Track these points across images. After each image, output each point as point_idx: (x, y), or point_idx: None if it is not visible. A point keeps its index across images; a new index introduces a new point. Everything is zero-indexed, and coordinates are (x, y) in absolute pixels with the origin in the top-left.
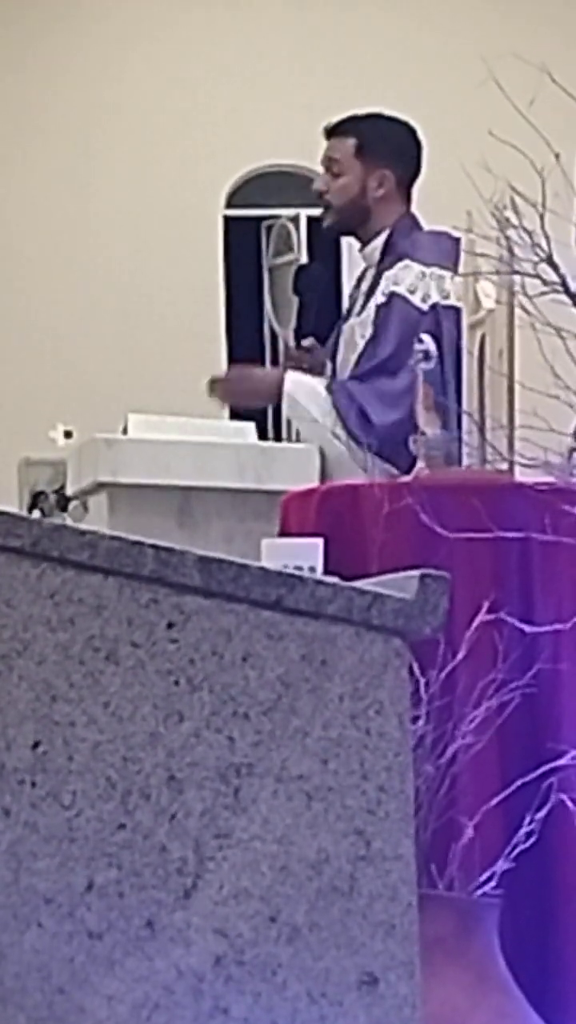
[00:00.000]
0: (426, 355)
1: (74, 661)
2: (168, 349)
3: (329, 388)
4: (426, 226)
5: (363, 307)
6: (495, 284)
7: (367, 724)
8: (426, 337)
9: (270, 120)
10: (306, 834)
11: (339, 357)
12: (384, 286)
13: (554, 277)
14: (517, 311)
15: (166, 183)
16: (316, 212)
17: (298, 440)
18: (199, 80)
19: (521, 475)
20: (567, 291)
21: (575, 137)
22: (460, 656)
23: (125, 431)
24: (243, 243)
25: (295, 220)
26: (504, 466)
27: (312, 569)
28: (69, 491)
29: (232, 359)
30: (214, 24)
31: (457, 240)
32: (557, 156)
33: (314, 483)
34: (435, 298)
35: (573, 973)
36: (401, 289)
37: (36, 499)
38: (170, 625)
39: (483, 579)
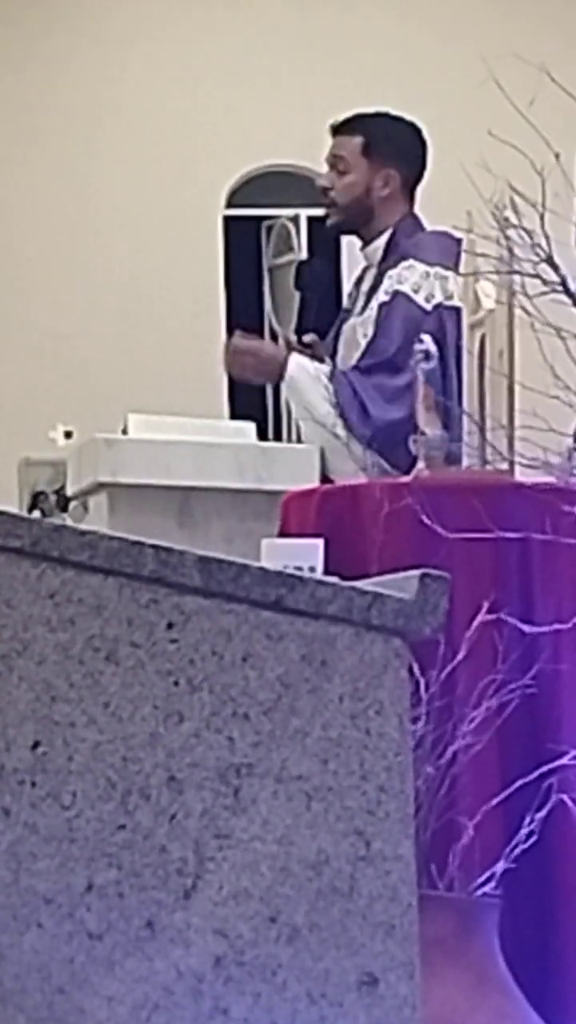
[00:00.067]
0: (426, 355)
1: (74, 661)
2: (168, 349)
3: (331, 376)
4: (427, 226)
5: (365, 306)
6: (495, 284)
7: (367, 724)
8: (426, 337)
9: (270, 120)
10: (306, 834)
11: (339, 356)
12: (387, 285)
13: (554, 277)
14: (517, 311)
15: (166, 183)
16: (316, 212)
17: (299, 440)
18: (199, 80)
19: (521, 475)
20: (567, 291)
21: (575, 137)
22: (460, 656)
23: (125, 431)
24: (243, 243)
25: (295, 220)
26: (504, 466)
27: (312, 569)
28: (69, 491)
29: None
30: (214, 24)
31: (459, 240)
32: (557, 156)
33: (314, 483)
34: (439, 298)
35: (573, 973)
36: (405, 288)
37: (36, 499)
38: (170, 625)
39: (483, 579)
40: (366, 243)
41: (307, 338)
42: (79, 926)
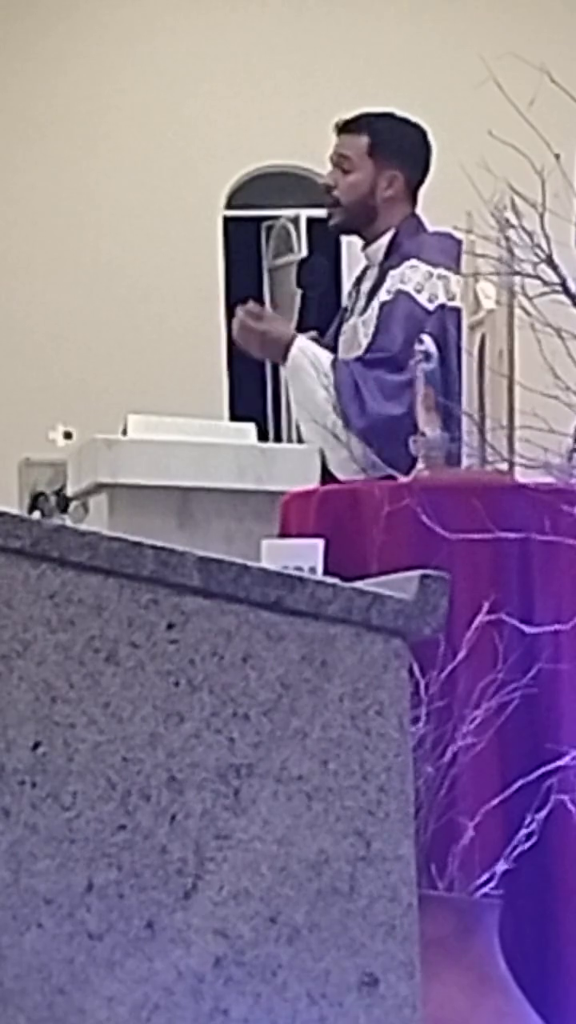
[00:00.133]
0: (426, 356)
1: (74, 662)
2: (168, 350)
3: (334, 363)
4: (429, 227)
5: (366, 306)
6: (495, 285)
7: (367, 725)
8: (426, 338)
9: (270, 120)
10: (306, 835)
11: (339, 355)
12: (390, 284)
13: (554, 278)
14: (517, 312)
15: (166, 184)
16: (316, 213)
17: (299, 441)
18: (199, 80)
19: (521, 476)
20: (567, 292)
21: (575, 138)
22: (460, 657)
23: (125, 432)
24: (243, 244)
25: (295, 221)
26: (504, 467)
27: (312, 570)
28: (69, 492)
29: (232, 360)
30: (214, 24)
31: (460, 242)
32: (557, 157)
33: (314, 484)
34: (441, 299)
35: (573, 973)
36: (408, 288)
37: (36, 500)
38: (170, 626)
39: (483, 580)
40: (368, 243)
41: (308, 336)
42: (79, 926)
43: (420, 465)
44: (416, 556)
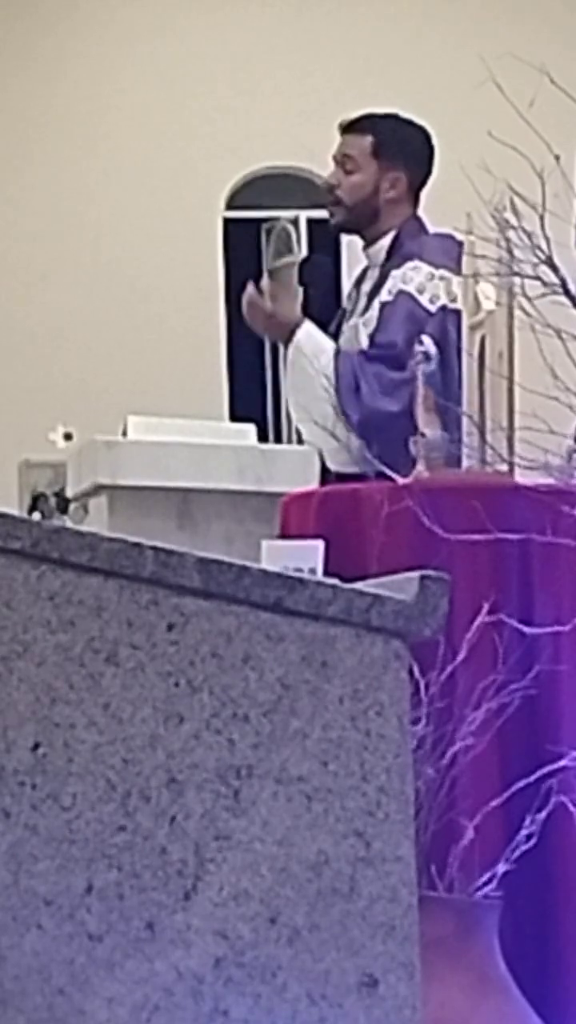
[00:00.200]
0: (426, 357)
1: (74, 663)
2: (168, 351)
3: (337, 353)
4: (430, 228)
5: (367, 307)
6: (495, 286)
7: (367, 726)
8: (426, 339)
9: (270, 122)
10: (306, 836)
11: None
12: (391, 285)
13: (554, 279)
14: (517, 313)
15: (166, 185)
16: (316, 214)
17: (299, 442)
18: (199, 82)
19: (521, 477)
20: (567, 293)
21: (575, 138)
22: (460, 658)
23: (125, 433)
24: (243, 245)
25: (295, 222)
26: (504, 468)
27: (312, 571)
28: (69, 493)
29: (232, 361)
30: (214, 26)
31: (461, 243)
32: (557, 158)
33: (314, 485)
34: (443, 300)
35: (573, 974)
36: (410, 288)
37: (36, 501)
38: (170, 627)
39: (483, 581)
40: (368, 244)
41: None
42: (79, 927)
43: (420, 466)
44: (416, 557)
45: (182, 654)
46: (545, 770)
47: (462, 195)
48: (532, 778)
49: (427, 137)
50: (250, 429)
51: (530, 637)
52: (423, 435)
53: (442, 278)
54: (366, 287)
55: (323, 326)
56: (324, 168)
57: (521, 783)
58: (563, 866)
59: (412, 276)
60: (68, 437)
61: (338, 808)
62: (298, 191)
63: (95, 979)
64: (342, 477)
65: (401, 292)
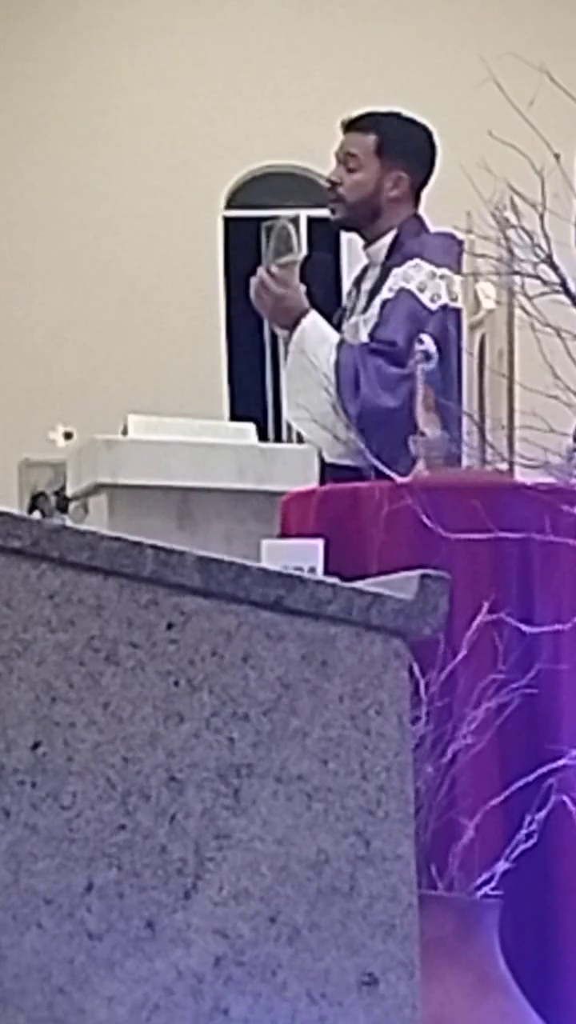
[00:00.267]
0: (426, 356)
1: (74, 662)
2: (168, 350)
3: (340, 344)
4: (431, 227)
5: (367, 305)
6: (495, 285)
7: (367, 724)
8: (426, 338)
9: (270, 121)
10: (306, 834)
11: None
12: (392, 282)
13: (554, 277)
14: (517, 312)
15: (166, 184)
16: (316, 213)
17: (299, 441)
18: (199, 81)
19: (521, 475)
20: (567, 291)
21: (575, 138)
22: (460, 656)
23: (125, 432)
24: (243, 244)
25: (295, 221)
26: (504, 466)
27: (312, 570)
28: (69, 492)
29: (232, 360)
30: (214, 25)
31: (461, 242)
32: (557, 157)
33: (314, 484)
34: (444, 299)
35: (573, 973)
36: (411, 286)
37: (36, 500)
38: (170, 626)
39: (483, 579)
40: (369, 242)
41: None
42: (79, 926)
43: (420, 465)
44: (416, 556)
45: (182, 653)
46: (545, 769)
47: (462, 194)
48: (532, 777)
49: (429, 136)
50: (250, 428)
51: (530, 636)
52: (423, 434)
53: (443, 277)
54: (366, 285)
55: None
56: (324, 167)
57: (521, 782)
58: (563, 865)
59: (413, 274)
60: (68, 436)
61: (338, 807)
62: (298, 190)
63: (95, 978)
64: (338, 469)
65: (402, 290)
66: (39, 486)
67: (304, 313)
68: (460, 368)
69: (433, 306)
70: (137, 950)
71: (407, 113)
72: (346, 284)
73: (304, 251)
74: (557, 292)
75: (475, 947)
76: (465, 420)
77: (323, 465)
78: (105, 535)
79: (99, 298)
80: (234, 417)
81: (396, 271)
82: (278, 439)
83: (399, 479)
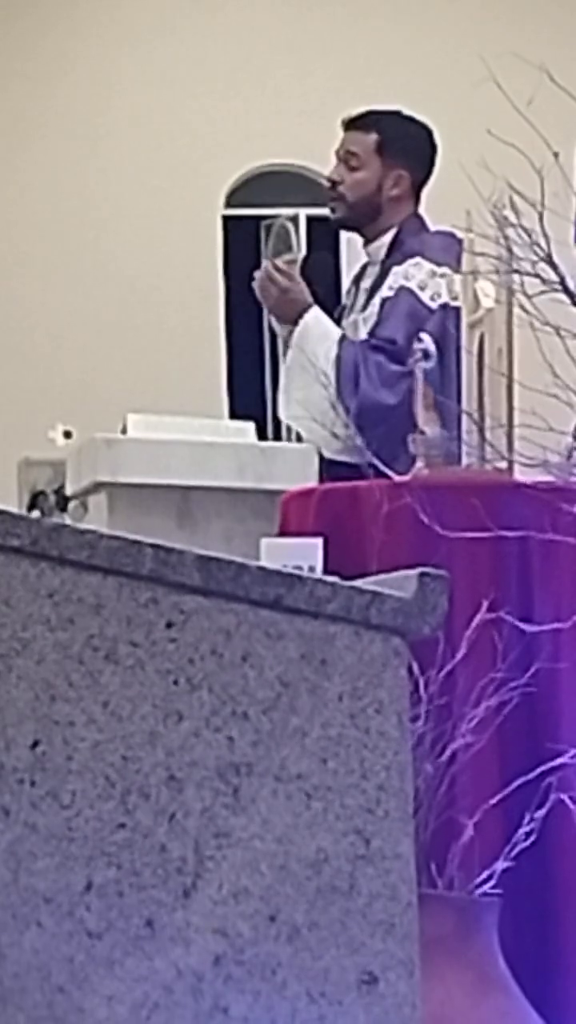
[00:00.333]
0: (425, 354)
1: (73, 660)
2: (168, 349)
3: (342, 339)
4: (431, 226)
5: (367, 303)
6: (494, 283)
7: (366, 723)
8: (426, 337)
9: (269, 120)
10: (305, 833)
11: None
12: (392, 280)
13: (553, 276)
14: (516, 310)
15: (166, 183)
16: (316, 212)
17: (299, 440)
18: (199, 81)
19: (520, 474)
20: (566, 290)
21: (574, 137)
22: (459, 655)
23: (124, 431)
24: (242, 243)
25: (294, 220)
26: (503, 465)
27: (311, 568)
28: (69, 491)
29: (231, 359)
30: (214, 25)
31: (461, 241)
32: (556, 156)
33: (313, 483)
34: (444, 298)
35: (573, 972)
36: (411, 284)
37: (36, 499)
38: (169, 624)
39: (482, 578)
40: (369, 241)
41: None
42: (79, 925)
43: (419, 464)
44: (415, 555)
45: (181, 652)
46: (544, 767)
47: (462, 193)
48: (531, 775)
49: (430, 135)
50: (250, 427)
51: (529, 635)
52: (422, 433)
53: (443, 275)
54: (365, 284)
55: None
56: (324, 166)
57: (520, 780)
58: (563, 863)
59: (414, 273)
60: (68, 435)
61: (337, 806)
62: (297, 189)
63: (95, 977)
64: (337, 466)
65: (403, 288)
66: (39, 485)
67: (307, 308)
68: (459, 367)
69: (433, 305)
70: (137, 949)
71: (408, 112)
72: (345, 283)
73: (303, 250)
74: (556, 291)
75: (475, 946)
76: (464, 419)
77: (322, 461)
78: (104, 534)
79: (98, 297)
80: (234, 416)
81: (396, 269)
82: (277, 438)
83: (398, 478)
